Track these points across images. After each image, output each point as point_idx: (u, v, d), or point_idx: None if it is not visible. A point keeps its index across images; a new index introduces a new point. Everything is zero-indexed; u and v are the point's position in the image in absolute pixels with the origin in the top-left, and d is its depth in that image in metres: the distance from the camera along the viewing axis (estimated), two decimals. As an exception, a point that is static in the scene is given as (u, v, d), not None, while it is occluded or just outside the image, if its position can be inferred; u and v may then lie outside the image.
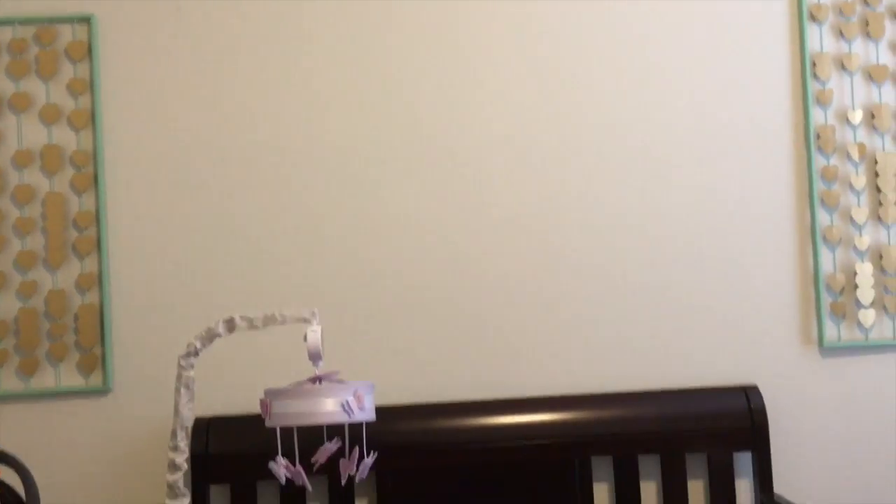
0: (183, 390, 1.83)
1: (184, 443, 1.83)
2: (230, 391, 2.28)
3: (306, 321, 1.82)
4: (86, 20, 2.26)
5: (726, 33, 2.36)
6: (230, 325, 1.83)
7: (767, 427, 2.23)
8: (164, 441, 2.25)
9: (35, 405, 2.24)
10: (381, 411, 2.15)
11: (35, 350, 2.23)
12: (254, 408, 2.25)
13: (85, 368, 2.24)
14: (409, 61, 2.32)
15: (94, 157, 2.26)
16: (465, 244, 2.32)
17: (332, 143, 2.31)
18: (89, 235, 2.26)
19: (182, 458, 1.83)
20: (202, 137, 2.30)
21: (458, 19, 2.33)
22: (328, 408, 1.74)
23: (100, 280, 2.25)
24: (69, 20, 2.26)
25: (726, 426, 2.23)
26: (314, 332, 1.79)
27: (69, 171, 2.26)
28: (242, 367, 2.28)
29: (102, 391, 2.25)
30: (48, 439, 2.23)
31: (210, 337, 1.83)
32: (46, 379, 2.24)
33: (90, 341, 2.24)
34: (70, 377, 2.25)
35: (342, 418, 1.74)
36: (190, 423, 1.84)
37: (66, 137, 2.27)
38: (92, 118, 2.26)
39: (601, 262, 2.33)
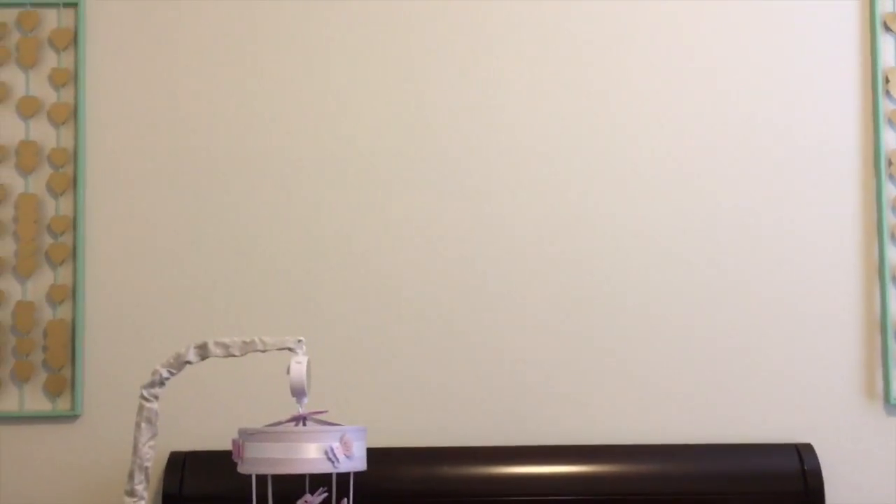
0: (144, 425, 1.59)
1: (142, 486, 1.59)
2: (212, 423, 2.06)
3: (290, 350, 1.59)
4: (72, 6, 2.08)
5: (788, 43, 2.14)
6: (203, 352, 1.60)
7: (823, 492, 2.00)
8: (135, 477, 2.02)
9: (-5, 429, 2.04)
10: (377, 454, 1.91)
11: (-2, 368, 2.02)
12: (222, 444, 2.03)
13: (52, 391, 2.03)
14: (415, 65, 2.13)
15: (75, 156, 2.07)
16: (483, 270, 2.11)
17: (333, 153, 2.12)
18: (64, 243, 2.05)
19: (139, 505, 1.59)
20: (194, 140, 2.11)
21: (469, 20, 2.15)
22: (310, 454, 1.52)
23: (73, 293, 2.04)
24: (55, 5, 2.08)
25: (775, 489, 2.01)
26: (298, 364, 1.57)
27: (46, 171, 2.07)
28: (230, 396, 2.07)
29: (70, 416, 2.04)
30: (8, 466, 2.02)
31: (178, 364, 1.60)
32: (9, 401, 2.03)
33: (59, 361, 2.03)
34: (36, 400, 2.03)
35: (325, 467, 1.52)
36: (150, 464, 1.61)
37: (44, 133, 2.07)
38: (74, 113, 2.07)
39: (640, 299, 2.11)
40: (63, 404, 2.03)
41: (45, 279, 2.04)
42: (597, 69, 2.13)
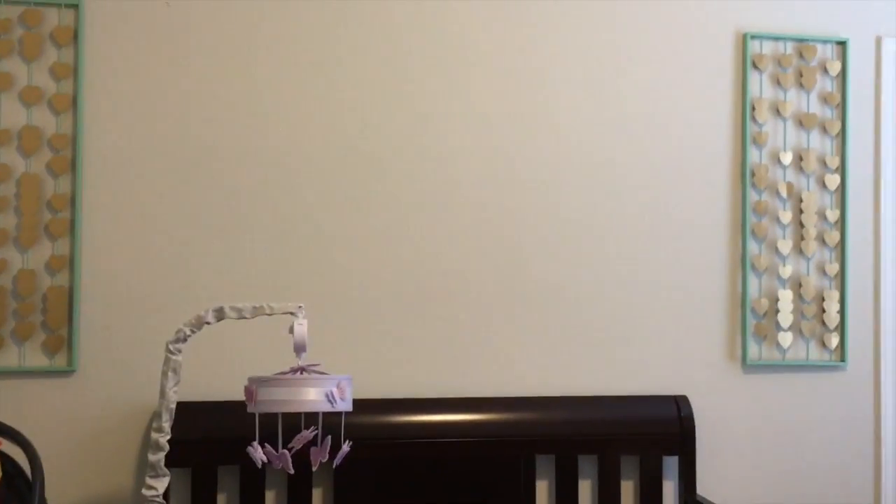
0: (170, 374, 1.90)
1: (168, 425, 1.90)
2: (189, 379, 2.30)
3: (293, 314, 1.92)
4: (73, 6, 2.28)
5: (677, 76, 2.57)
6: (219, 314, 1.92)
7: (694, 434, 2.44)
8: (127, 423, 2.29)
9: (-3, 383, 2.25)
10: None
11: (0, 328, 2.24)
12: (212, 395, 2.32)
13: (50, 349, 2.26)
14: (393, 70, 2.44)
15: (74, 141, 2.29)
16: (431, 255, 2.44)
17: (316, 140, 2.39)
18: (63, 218, 2.28)
19: (165, 440, 1.90)
20: (181, 129, 2.35)
21: (436, 24, 2.46)
22: (312, 396, 1.85)
23: (71, 263, 2.28)
24: (56, 4, 2.28)
25: (658, 432, 2.42)
26: (301, 325, 1.90)
27: (47, 154, 2.28)
28: (201, 357, 2.32)
29: (67, 371, 2.27)
30: (9, 418, 2.22)
31: (199, 324, 1.91)
32: (10, 358, 2.25)
33: (57, 322, 2.27)
34: (35, 357, 2.26)
35: (325, 407, 1.85)
36: (174, 405, 1.92)
37: (45, 120, 2.28)
38: (73, 103, 2.29)
39: (553, 280, 2.49)
40: (60, 361, 2.27)
41: (44, 250, 2.27)
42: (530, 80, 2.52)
